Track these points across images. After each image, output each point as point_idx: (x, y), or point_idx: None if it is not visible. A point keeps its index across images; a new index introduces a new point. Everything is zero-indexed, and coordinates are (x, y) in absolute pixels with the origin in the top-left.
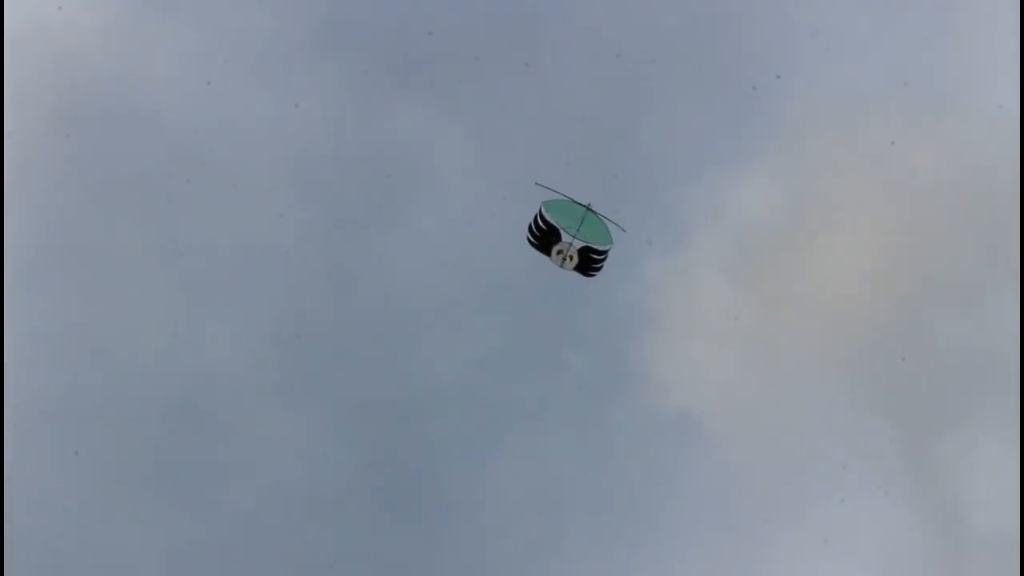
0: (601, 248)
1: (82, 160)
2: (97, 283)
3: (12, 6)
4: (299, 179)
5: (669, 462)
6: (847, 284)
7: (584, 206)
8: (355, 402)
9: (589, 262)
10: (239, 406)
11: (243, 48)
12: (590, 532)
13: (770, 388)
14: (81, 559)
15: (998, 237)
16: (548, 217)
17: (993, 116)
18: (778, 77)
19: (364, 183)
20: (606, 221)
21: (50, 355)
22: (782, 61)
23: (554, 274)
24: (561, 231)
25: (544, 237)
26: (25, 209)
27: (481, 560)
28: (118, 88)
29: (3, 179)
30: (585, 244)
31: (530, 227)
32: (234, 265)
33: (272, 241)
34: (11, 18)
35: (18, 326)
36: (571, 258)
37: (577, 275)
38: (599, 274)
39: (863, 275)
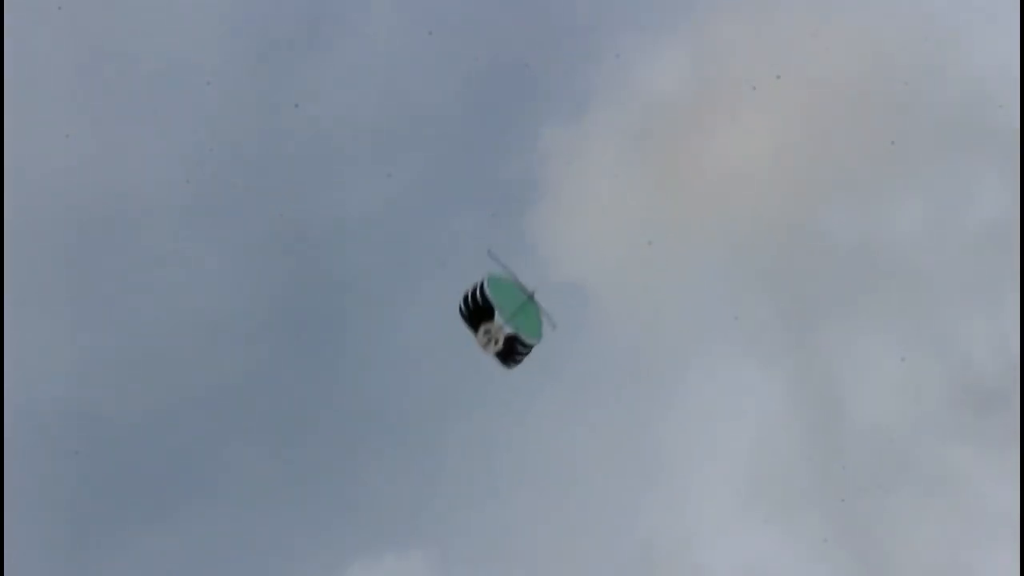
0: (528, 342)
1: None
2: (14, 89)
3: None
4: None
5: (553, 331)
6: (746, 166)
7: (528, 294)
8: (271, 231)
9: (513, 352)
10: (153, 224)
11: None
12: (486, 382)
13: (660, 264)
14: None
15: (901, 134)
16: (488, 294)
17: (911, 14)
18: None
19: (295, 8)
20: (544, 315)
21: None
22: None
23: (466, 127)
24: (496, 311)
25: (477, 312)
26: None
27: (384, 396)
28: None
29: None
30: (514, 333)
31: (466, 297)
32: (157, 82)
33: (198, 61)
34: None
35: None
36: (496, 342)
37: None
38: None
39: (762, 159)
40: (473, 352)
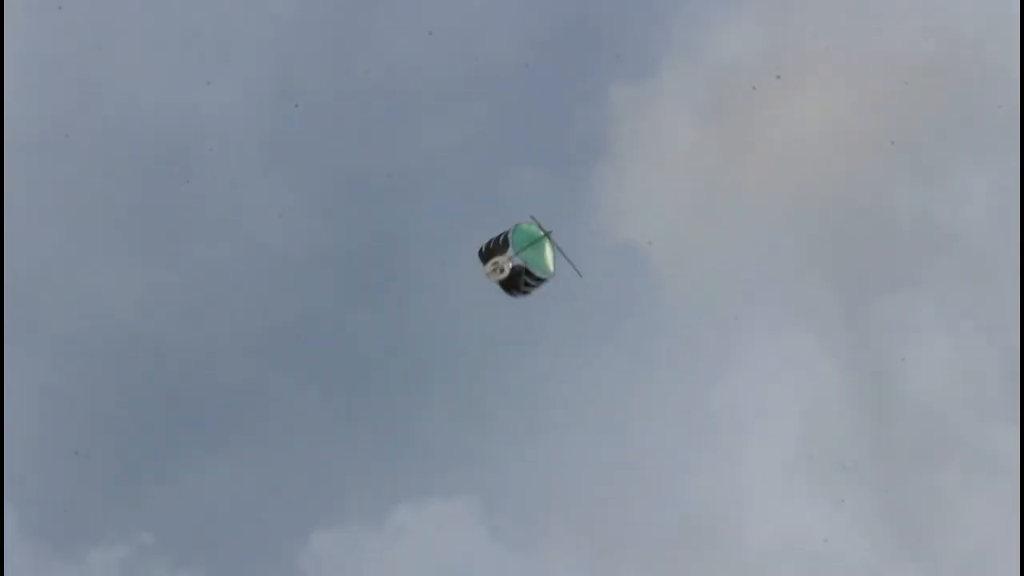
0: (538, 274)
1: None
2: (98, 21)
3: None
4: None
5: (610, 290)
6: (814, 138)
7: (544, 232)
8: (340, 173)
9: (517, 282)
10: (225, 161)
11: None
12: (542, 337)
13: (720, 230)
14: (55, 294)
15: (970, 114)
16: (510, 236)
17: None
18: None
19: None
20: (561, 255)
21: (41, 89)
22: None
23: (535, 81)
24: (510, 246)
25: (493, 249)
26: None
27: (438, 344)
28: None
29: None
30: (523, 265)
31: (489, 240)
32: (238, 22)
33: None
34: None
35: (14, 53)
36: (501, 271)
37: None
38: (526, 297)
39: (832, 132)
40: (529, 305)
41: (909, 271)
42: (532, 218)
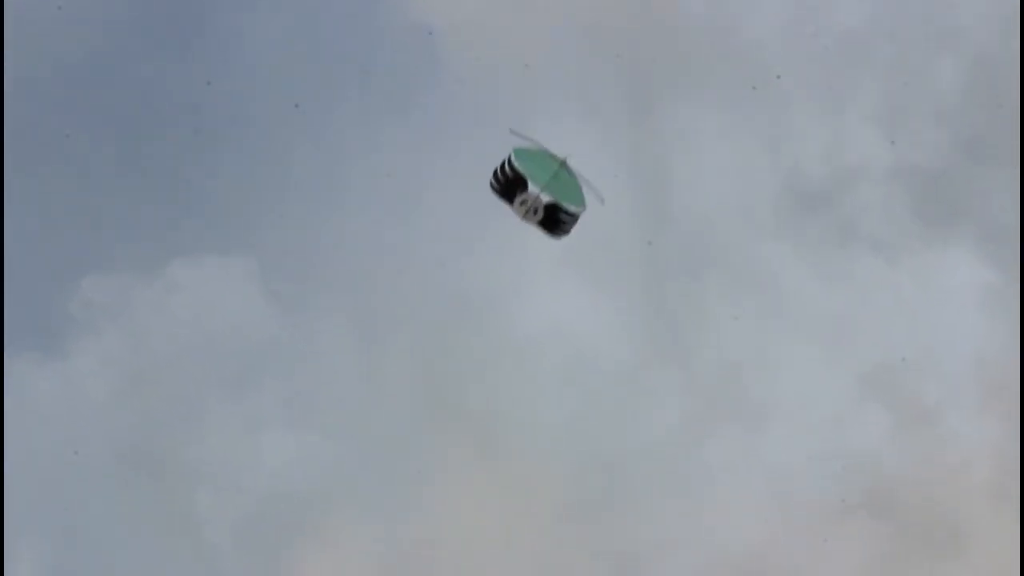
0: (571, 210)
1: None
2: None
3: None
4: None
5: (398, 72)
6: None
7: (560, 160)
8: None
9: (556, 221)
10: None
11: None
12: (340, 103)
13: (512, 21)
14: None
15: None
16: (517, 165)
17: None
18: None
19: None
20: (583, 182)
21: None
22: None
23: None
24: (529, 181)
25: (509, 185)
26: None
27: (237, 101)
28: None
29: None
30: (553, 201)
31: (495, 172)
32: None
33: None
34: None
35: None
36: (535, 211)
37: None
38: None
39: None
40: (333, 68)
41: (697, 80)
42: (512, 131)
